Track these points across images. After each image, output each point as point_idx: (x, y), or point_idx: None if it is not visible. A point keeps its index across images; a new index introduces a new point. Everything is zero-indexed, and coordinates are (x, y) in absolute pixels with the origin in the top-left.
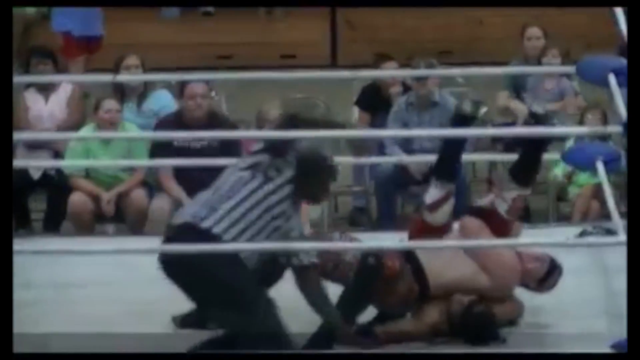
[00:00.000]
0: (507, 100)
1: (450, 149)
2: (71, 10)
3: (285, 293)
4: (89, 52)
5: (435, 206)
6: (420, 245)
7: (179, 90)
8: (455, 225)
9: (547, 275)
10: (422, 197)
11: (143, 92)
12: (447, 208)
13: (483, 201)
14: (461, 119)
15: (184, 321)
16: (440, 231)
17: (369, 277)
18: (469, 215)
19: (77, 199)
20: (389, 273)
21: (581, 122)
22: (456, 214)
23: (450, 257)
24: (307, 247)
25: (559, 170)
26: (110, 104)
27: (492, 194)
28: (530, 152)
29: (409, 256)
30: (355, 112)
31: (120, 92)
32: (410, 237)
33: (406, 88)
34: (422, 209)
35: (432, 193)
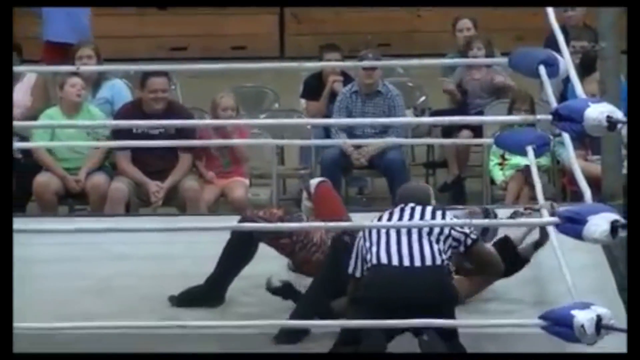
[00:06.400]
0: (451, 87)
1: None
2: (61, 19)
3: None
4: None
5: None
6: (391, 225)
7: (140, 81)
8: None
9: None
10: (364, 180)
11: (97, 80)
12: None
13: None
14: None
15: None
16: None
17: (344, 253)
18: None
19: (41, 180)
20: None
21: (510, 111)
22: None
23: None
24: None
25: (493, 155)
26: (75, 80)
27: None
28: None
29: None
30: (303, 102)
31: None
32: None
33: (347, 78)
34: None
35: None
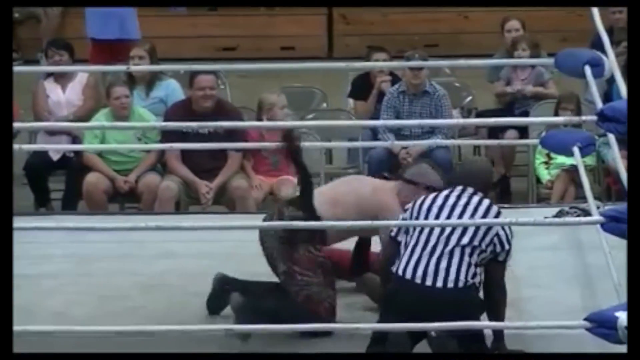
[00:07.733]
0: (502, 88)
1: None
2: (100, 15)
3: None
4: (113, 55)
5: None
6: (432, 223)
7: (189, 80)
8: None
9: None
10: None
11: (151, 80)
12: None
13: None
14: None
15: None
16: None
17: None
18: None
19: (91, 179)
20: None
21: (556, 111)
22: None
23: None
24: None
25: (539, 155)
26: (118, 91)
27: None
28: None
29: None
30: (351, 101)
31: (130, 80)
32: None
33: (395, 78)
34: None
35: None
